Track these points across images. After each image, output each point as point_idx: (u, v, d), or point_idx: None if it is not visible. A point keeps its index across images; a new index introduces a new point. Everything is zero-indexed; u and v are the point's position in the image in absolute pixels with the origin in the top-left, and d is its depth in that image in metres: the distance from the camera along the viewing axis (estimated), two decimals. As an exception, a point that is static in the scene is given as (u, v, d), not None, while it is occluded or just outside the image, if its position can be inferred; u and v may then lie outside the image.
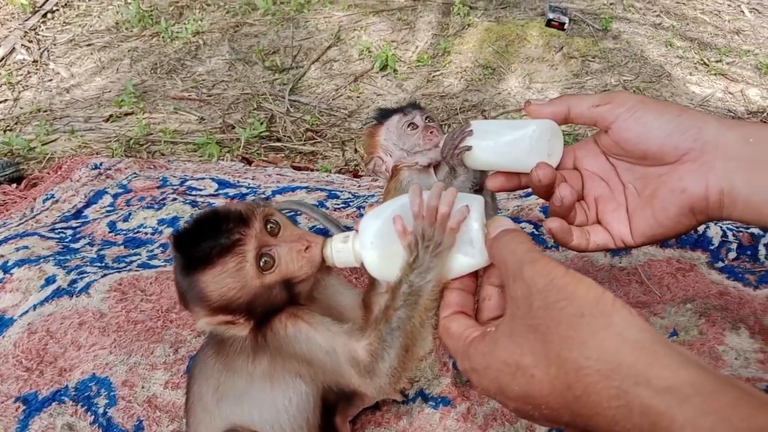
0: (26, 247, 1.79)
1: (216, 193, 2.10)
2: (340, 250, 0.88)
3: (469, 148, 0.99)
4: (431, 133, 1.25)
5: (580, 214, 0.93)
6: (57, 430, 1.26)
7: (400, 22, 3.66)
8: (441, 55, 3.33)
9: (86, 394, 1.31)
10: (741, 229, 1.57)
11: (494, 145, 0.96)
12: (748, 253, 1.50)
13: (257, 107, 3.06)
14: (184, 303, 0.93)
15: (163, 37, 3.75)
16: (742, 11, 3.49)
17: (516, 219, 1.69)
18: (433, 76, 3.19)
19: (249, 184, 2.15)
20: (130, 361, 1.36)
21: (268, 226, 0.92)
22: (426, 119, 1.27)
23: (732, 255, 1.50)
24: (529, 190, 0.94)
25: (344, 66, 3.36)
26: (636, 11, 3.60)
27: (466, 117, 2.87)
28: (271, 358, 0.96)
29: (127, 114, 3.08)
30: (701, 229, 1.56)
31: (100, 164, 2.28)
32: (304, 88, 3.22)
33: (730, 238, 1.54)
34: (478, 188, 1.17)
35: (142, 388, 1.31)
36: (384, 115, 1.32)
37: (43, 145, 2.83)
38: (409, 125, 1.27)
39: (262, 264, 0.89)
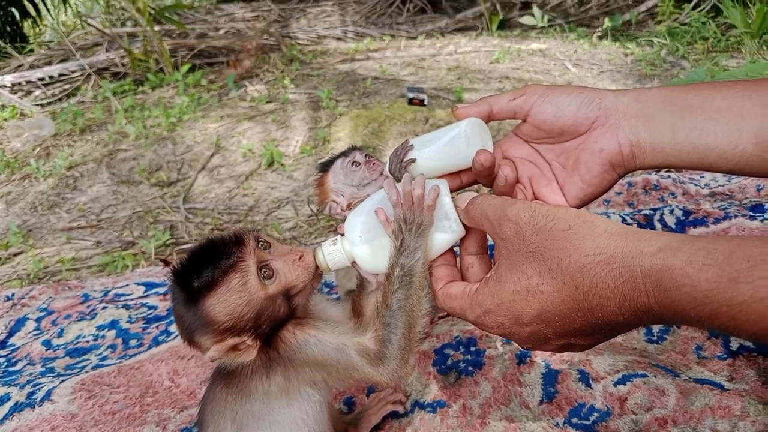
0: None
1: (146, 294, 2.08)
2: (331, 252, 0.94)
3: (413, 160, 1.09)
4: (373, 164, 1.39)
5: (519, 194, 1.06)
6: None
7: (275, 123, 3.87)
8: (322, 144, 3.55)
9: (83, 489, 1.24)
10: (635, 213, 1.83)
11: (435, 149, 1.06)
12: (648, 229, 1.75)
13: (154, 221, 3.06)
14: (188, 337, 0.95)
15: (35, 177, 3.67)
16: (567, 67, 4.08)
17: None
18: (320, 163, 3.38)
19: (177, 280, 2.14)
20: (119, 448, 1.31)
21: (261, 244, 0.99)
22: (365, 156, 1.42)
23: (634, 233, 1.75)
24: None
25: (231, 169, 3.47)
26: (480, 81, 4.09)
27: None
28: (284, 371, 1.00)
29: (16, 254, 2.95)
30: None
31: (12, 295, 2.18)
32: (197, 195, 3.27)
33: (629, 221, 1.80)
34: None
35: (141, 468, 1.27)
36: (326, 164, 1.45)
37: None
38: (352, 164, 1.41)
39: (263, 275, 0.94)
